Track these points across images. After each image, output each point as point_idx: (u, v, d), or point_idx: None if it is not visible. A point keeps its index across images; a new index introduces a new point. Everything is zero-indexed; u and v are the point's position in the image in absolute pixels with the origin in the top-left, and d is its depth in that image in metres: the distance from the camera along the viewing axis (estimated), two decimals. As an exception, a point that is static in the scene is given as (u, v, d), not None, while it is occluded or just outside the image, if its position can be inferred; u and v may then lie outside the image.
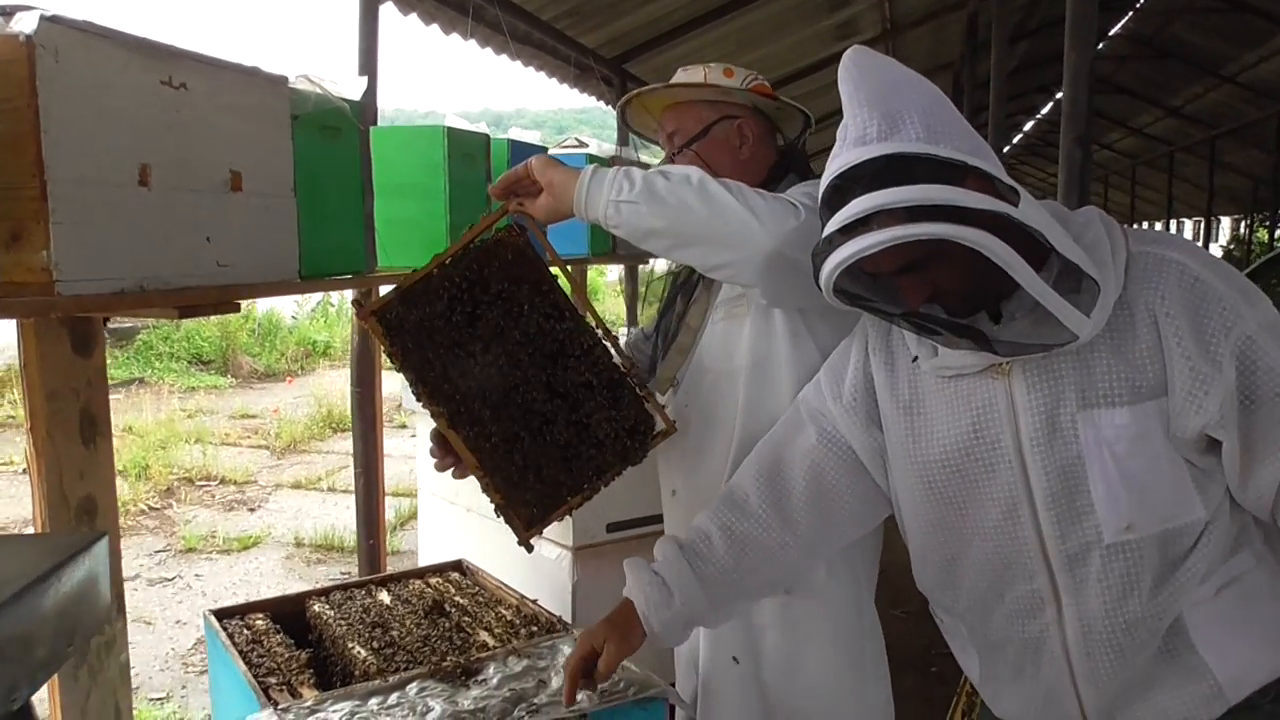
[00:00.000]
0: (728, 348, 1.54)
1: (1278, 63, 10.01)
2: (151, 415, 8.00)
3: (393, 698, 1.33)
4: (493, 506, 1.43)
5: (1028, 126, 19.83)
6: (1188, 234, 25.32)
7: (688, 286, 1.66)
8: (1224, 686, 1.19)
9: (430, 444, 1.51)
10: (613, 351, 1.46)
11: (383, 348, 1.41)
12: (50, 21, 1.31)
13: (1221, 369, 1.10)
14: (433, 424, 1.43)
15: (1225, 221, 25.52)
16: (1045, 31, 9.03)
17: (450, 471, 1.51)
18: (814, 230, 1.32)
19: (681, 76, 1.65)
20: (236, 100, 1.65)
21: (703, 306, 1.60)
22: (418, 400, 1.42)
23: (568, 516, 1.47)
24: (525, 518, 1.42)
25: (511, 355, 1.41)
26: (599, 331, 1.47)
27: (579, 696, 1.30)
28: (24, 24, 1.30)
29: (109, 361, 10.74)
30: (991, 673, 1.35)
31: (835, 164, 1.11)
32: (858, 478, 1.36)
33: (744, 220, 1.33)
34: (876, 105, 1.09)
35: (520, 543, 1.43)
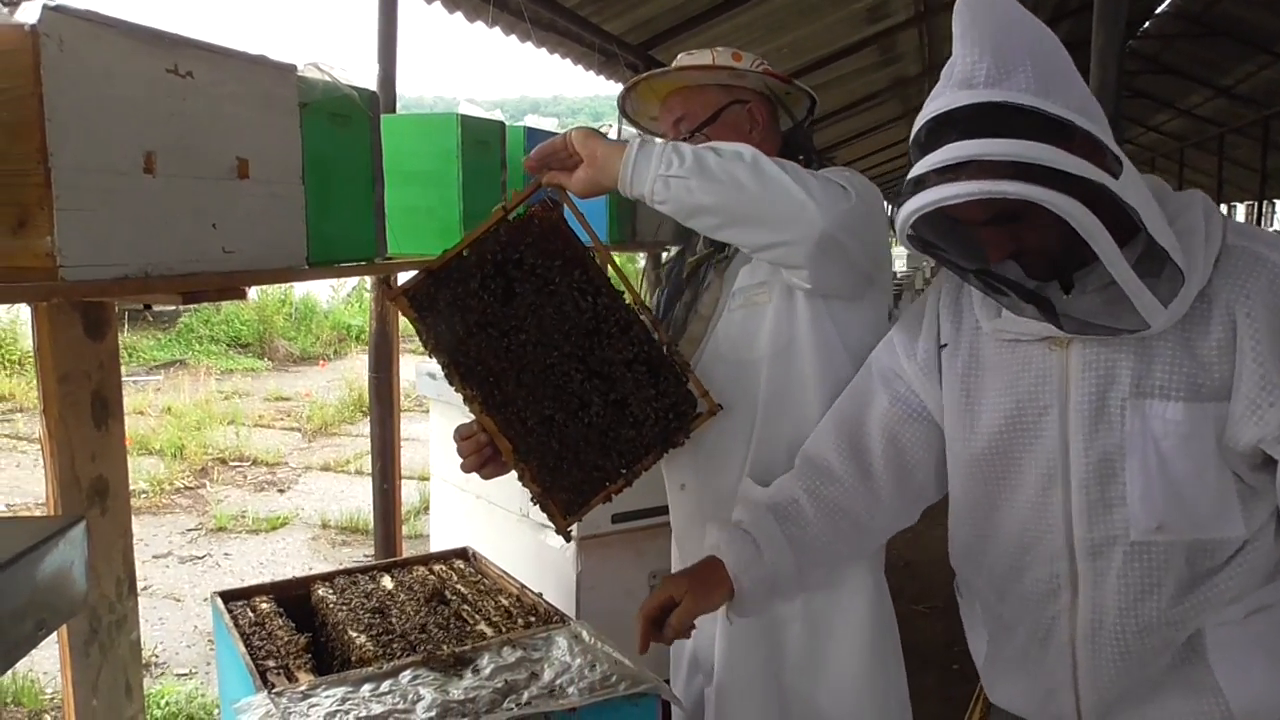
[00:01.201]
0: (747, 336, 1.51)
1: (1335, 42, 9.67)
2: (190, 396, 8.18)
3: (385, 685, 1.34)
4: (529, 495, 1.40)
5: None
6: (1239, 218, 24.60)
7: (695, 275, 1.63)
8: (1235, 713, 1.14)
9: (457, 443, 1.47)
10: (651, 329, 1.41)
11: (414, 330, 1.37)
12: (54, 11, 1.33)
13: None
14: (449, 415, 1.42)
15: (1280, 205, 24.76)
16: (1086, 13, 8.78)
17: (478, 473, 1.48)
18: (862, 215, 1.33)
19: (688, 60, 1.60)
20: (243, 88, 1.66)
21: (715, 294, 1.56)
22: (450, 384, 1.38)
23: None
24: (563, 505, 1.40)
25: (546, 334, 1.37)
26: (637, 308, 1.42)
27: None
28: (28, 14, 1.32)
29: (151, 344, 11.02)
30: (997, 655, 1.32)
31: (936, 103, 1.06)
32: (934, 438, 1.33)
33: (799, 200, 1.29)
34: (989, 47, 1.03)
35: (558, 531, 1.41)
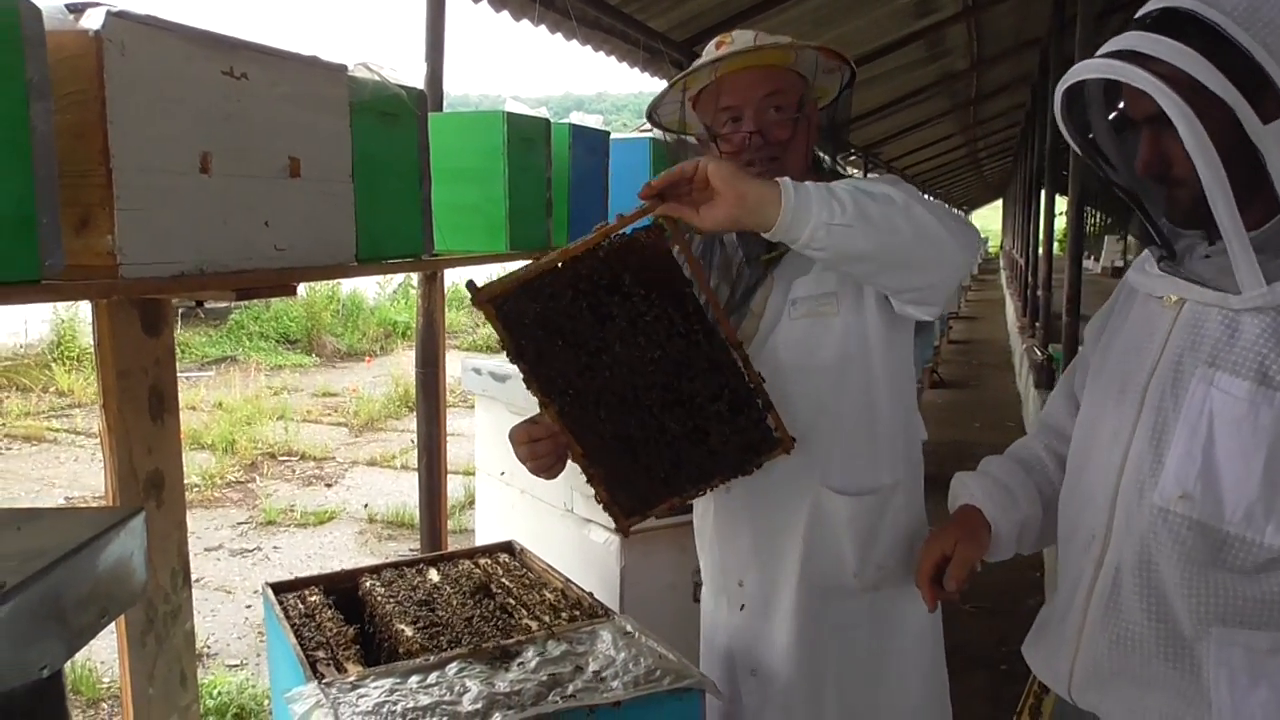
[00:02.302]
0: (810, 344, 1.49)
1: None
2: (240, 392, 8.36)
3: (432, 677, 1.36)
4: (593, 494, 1.42)
5: (1125, 105, 18.87)
6: None
7: (741, 279, 1.58)
8: None
9: (525, 445, 1.47)
10: (741, 366, 1.40)
11: (498, 338, 1.35)
12: (117, 17, 1.36)
13: None
14: (494, 410, 1.42)
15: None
16: (1138, 6, 8.51)
17: (543, 475, 1.49)
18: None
19: (767, 39, 1.50)
20: (296, 89, 1.69)
21: (767, 293, 1.53)
22: (528, 389, 1.37)
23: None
24: (627, 508, 1.42)
25: (634, 361, 1.35)
26: (730, 344, 1.40)
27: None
28: (92, 20, 1.35)
29: (203, 340, 11.32)
30: (1046, 615, 1.33)
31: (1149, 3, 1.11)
32: None
33: (944, 244, 1.30)
34: None
35: (620, 530, 1.44)
